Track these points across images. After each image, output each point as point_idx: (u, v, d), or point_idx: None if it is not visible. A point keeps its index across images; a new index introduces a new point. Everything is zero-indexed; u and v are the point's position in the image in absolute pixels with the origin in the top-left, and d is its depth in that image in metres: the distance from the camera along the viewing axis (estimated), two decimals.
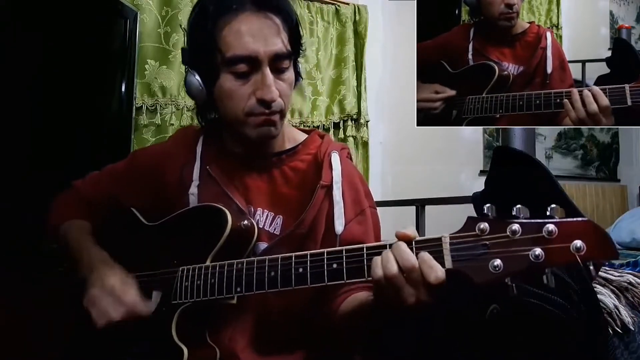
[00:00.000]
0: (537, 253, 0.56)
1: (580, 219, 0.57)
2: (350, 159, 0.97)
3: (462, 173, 3.27)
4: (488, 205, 0.61)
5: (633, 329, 1.08)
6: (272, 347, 0.85)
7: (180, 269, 0.81)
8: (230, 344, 0.82)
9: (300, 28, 0.88)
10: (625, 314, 1.10)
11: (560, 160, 3.82)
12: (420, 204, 2.25)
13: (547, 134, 3.76)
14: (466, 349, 0.87)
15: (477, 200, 1.09)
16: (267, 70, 0.81)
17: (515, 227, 0.58)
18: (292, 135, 0.96)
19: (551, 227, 0.56)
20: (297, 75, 0.90)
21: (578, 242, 0.55)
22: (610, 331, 1.05)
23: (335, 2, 2.75)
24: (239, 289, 0.74)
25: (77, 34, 1.63)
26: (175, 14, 2.23)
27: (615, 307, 1.10)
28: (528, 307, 0.78)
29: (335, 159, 0.90)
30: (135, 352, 0.82)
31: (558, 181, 0.92)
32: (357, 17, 2.78)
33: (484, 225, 0.60)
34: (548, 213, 0.58)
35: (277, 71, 0.83)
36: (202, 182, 0.91)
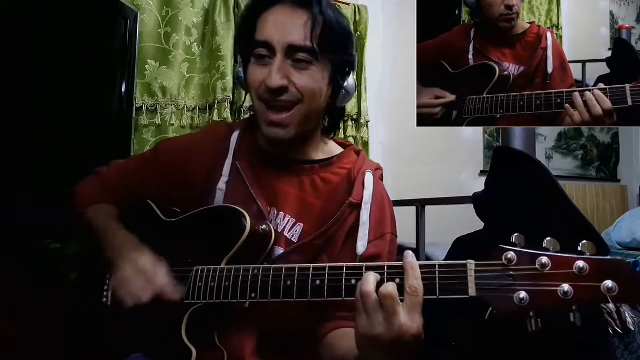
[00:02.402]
0: (565, 289, 0.55)
1: (612, 257, 0.56)
2: (382, 179, 0.96)
3: (462, 173, 3.27)
4: (516, 234, 0.60)
5: (633, 329, 1.08)
6: (279, 355, 0.84)
7: (195, 268, 0.79)
8: (239, 347, 0.81)
9: (347, 36, 0.88)
10: (626, 314, 1.10)
11: (560, 160, 3.82)
12: (420, 204, 2.24)
13: (547, 134, 3.76)
14: (466, 349, 0.87)
15: (477, 200, 1.09)
16: (278, 58, 0.82)
17: (545, 260, 0.56)
18: (326, 146, 0.96)
19: (582, 263, 0.55)
20: (337, 83, 0.88)
21: (609, 282, 0.53)
22: (610, 331, 1.05)
23: (335, 2, 2.75)
24: (253, 295, 0.73)
25: (77, 34, 1.63)
26: (175, 14, 2.23)
27: (615, 307, 1.10)
28: None
29: (369, 178, 0.89)
30: (144, 349, 0.82)
31: (558, 181, 0.92)
32: (357, 17, 2.78)
33: (511, 254, 0.58)
34: (579, 248, 0.57)
35: (296, 61, 0.83)
36: (231, 178, 0.90)
